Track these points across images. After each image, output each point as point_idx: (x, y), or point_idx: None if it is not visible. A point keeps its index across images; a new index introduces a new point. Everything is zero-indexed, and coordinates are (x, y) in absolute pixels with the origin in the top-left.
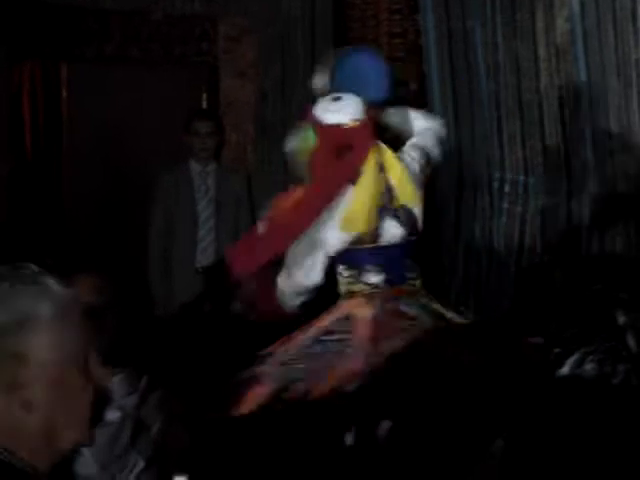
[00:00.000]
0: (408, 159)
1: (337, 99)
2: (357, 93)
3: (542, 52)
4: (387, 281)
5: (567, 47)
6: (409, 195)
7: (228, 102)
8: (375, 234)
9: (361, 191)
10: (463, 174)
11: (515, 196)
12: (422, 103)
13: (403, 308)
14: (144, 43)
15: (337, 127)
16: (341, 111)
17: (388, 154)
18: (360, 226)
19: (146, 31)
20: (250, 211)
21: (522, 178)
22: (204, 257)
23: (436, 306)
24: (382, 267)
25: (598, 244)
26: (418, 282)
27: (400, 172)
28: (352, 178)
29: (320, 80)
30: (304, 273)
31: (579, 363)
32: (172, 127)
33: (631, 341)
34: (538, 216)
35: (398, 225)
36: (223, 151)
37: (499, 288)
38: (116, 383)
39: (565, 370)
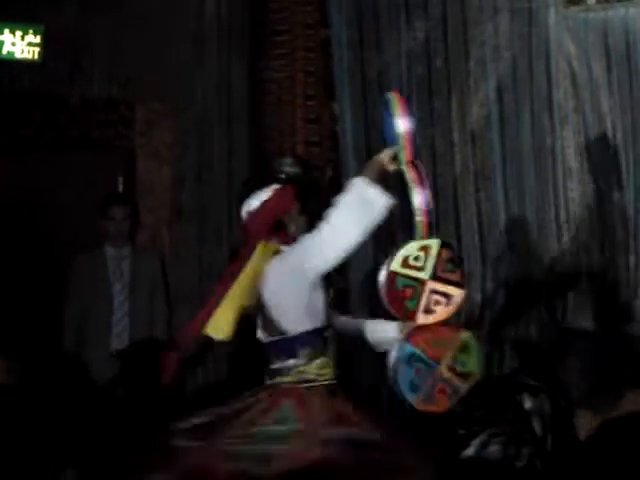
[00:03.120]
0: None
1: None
2: None
3: (457, 137)
4: None
5: (482, 132)
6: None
7: (144, 185)
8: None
9: (232, 293)
10: (379, 260)
11: None
12: (337, 188)
13: None
14: (61, 127)
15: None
16: (256, 197)
17: (269, 251)
18: (224, 331)
19: (63, 115)
20: (165, 294)
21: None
22: (119, 341)
23: None
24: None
25: (513, 330)
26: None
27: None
28: (236, 273)
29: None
30: None
31: (484, 445)
32: (88, 211)
33: (536, 425)
34: None
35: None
36: (138, 234)
37: None
38: None
39: (470, 451)
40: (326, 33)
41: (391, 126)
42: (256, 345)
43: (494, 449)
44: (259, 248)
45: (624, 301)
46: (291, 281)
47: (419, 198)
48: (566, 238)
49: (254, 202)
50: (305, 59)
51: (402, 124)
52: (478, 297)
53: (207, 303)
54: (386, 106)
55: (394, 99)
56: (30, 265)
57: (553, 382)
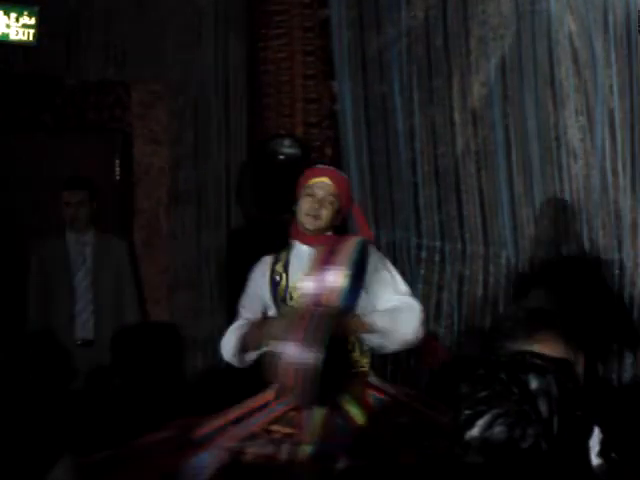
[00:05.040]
0: None
1: None
2: None
3: (458, 117)
4: None
5: (484, 112)
6: None
7: (141, 168)
8: None
9: None
10: (380, 239)
11: (432, 262)
12: (337, 167)
13: None
14: (57, 109)
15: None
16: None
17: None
18: None
19: (60, 97)
20: (135, 277)
21: (438, 244)
22: (84, 330)
23: None
24: None
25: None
26: None
27: None
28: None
29: None
30: None
31: (489, 425)
32: None
33: (542, 406)
34: (455, 282)
35: None
36: (136, 218)
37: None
38: None
39: (475, 432)
40: (325, 13)
41: None
42: None
43: (499, 430)
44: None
45: (627, 283)
46: None
47: None
48: (570, 218)
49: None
50: (304, 39)
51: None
52: (480, 278)
53: None
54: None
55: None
56: (22, 247)
57: (560, 362)
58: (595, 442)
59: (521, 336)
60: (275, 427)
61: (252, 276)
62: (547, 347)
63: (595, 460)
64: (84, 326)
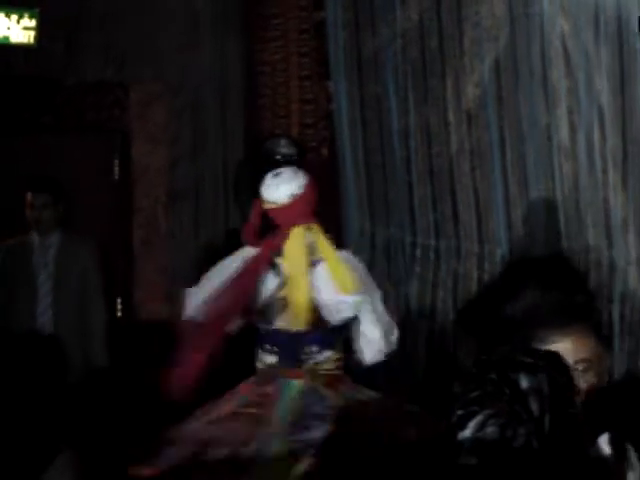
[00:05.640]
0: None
1: (277, 175)
2: None
3: (452, 117)
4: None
5: (478, 112)
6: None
7: (140, 168)
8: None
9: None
10: (375, 237)
11: (426, 260)
12: (333, 168)
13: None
14: (57, 110)
15: (268, 204)
16: (277, 187)
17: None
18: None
19: (59, 98)
20: (101, 283)
21: (433, 242)
22: (44, 333)
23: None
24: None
25: (509, 307)
26: (328, 365)
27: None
28: (270, 258)
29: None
30: None
31: (481, 426)
32: (83, 194)
33: (534, 405)
34: (449, 280)
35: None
36: (135, 217)
37: (412, 352)
38: None
39: (467, 433)
40: (320, 15)
41: None
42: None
43: (491, 430)
44: (297, 231)
45: (618, 281)
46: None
47: None
48: (562, 217)
49: (290, 187)
50: (299, 41)
51: None
52: (475, 276)
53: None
54: None
55: None
56: None
57: (551, 359)
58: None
59: (555, 327)
60: (246, 410)
61: None
62: (579, 341)
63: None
64: (43, 328)
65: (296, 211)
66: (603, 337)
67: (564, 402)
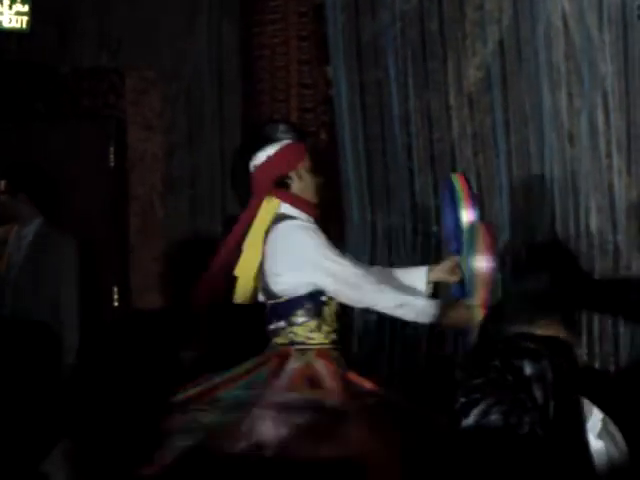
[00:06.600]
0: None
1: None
2: None
3: (453, 101)
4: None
5: (480, 96)
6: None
7: (135, 155)
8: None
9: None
10: (376, 225)
11: (428, 247)
12: (332, 153)
13: None
14: (51, 96)
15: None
16: (264, 150)
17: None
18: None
19: (53, 84)
20: (77, 278)
21: (435, 229)
22: None
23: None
24: None
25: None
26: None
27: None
28: (249, 223)
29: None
30: None
31: (485, 413)
32: (77, 182)
33: (537, 392)
34: None
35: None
36: (130, 204)
37: (414, 338)
38: None
39: (470, 420)
40: None
41: (452, 217)
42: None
43: (495, 418)
44: (265, 203)
45: (622, 266)
46: (293, 263)
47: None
48: (565, 201)
49: (262, 156)
50: (298, 24)
51: (468, 216)
52: None
53: (217, 254)
54: (448, 191)
55: (459, 185)
56: None
57: (556, 342)
58: (595, 422)
59: (523, 320)
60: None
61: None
62: (549, 331)
63: (595, 442)
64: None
65: (263, 174)
66: (574, 326)
67: (568, 387)
